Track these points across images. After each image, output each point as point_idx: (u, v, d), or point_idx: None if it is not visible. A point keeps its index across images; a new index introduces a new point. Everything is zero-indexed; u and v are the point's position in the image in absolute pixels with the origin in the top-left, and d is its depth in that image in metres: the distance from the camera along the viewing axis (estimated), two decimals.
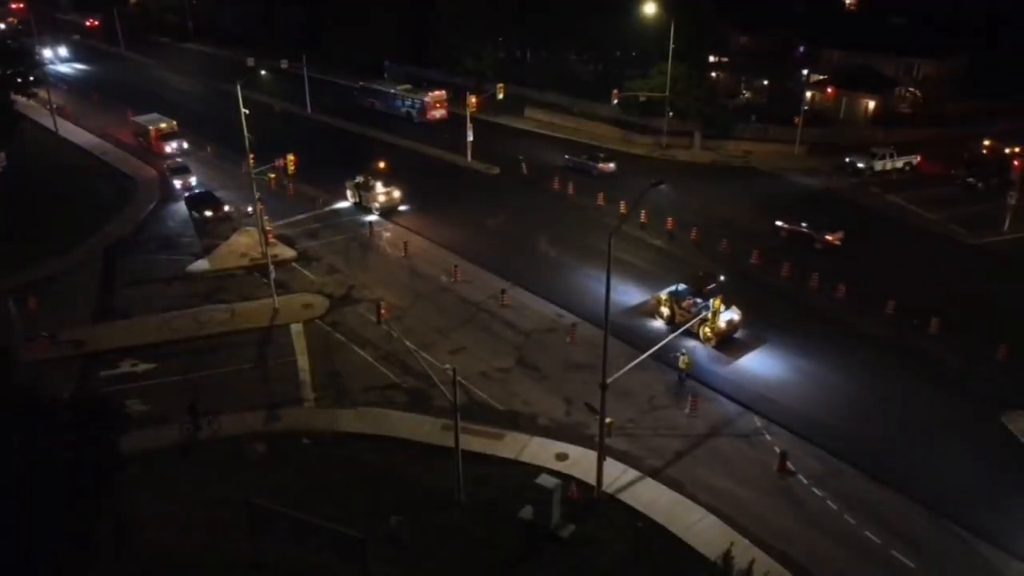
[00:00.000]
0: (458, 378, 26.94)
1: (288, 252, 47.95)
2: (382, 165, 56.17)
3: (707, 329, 37.11)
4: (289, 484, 28.80)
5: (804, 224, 49.21)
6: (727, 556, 23.84)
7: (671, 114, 67.92)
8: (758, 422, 32.60)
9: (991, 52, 78.26)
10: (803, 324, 39.44)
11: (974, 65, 79.87)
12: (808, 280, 43.63)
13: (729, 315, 37.72)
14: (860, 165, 61.65)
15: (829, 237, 48.21)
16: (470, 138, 63.88)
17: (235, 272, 45.99)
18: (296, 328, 39.89)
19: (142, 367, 36.38)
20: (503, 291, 42.42)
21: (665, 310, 39.60)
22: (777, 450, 30.42)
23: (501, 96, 66.02)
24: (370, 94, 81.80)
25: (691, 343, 37.34)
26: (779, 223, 50.32)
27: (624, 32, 74.98)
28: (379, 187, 54.41)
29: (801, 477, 29.45)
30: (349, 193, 56.09)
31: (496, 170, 63.11)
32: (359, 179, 55.43)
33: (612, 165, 62.11)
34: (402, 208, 54.82)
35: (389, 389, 35.18)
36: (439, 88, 78.81)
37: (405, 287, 44.22)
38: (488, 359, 37.08)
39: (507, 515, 27.57)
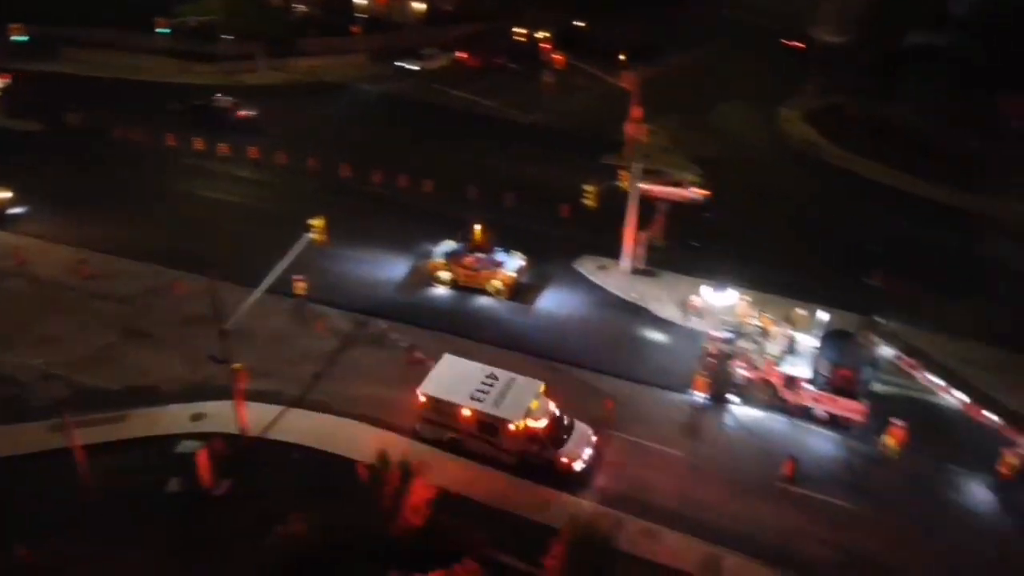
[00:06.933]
0: (54, 371, 23.77)
1: None
2: None
3: (496, 282, 36.16)
4: None
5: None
6: (382, 455, 25.40)
7: (229, 37, 64.29)
8: (383, 324, 34.36)
9: None
10: (380, 215, 41.81)
11: None
12: (397, 181, 46.06)
13: (516, 262, 37.06)
14: (412, 67, 65.24)
15: None
16: None
17: None
18: None
19: None
20: (82, 262, 37.66)
21: (445, 274, 36.91)
22: (403, 346, 32.58)
23: (23, 38, 55.62)
24: None
25: (483, 300, 36.22)
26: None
27: None
28: None
29: (431, 363, 32.01)
30: None
31: (36, 125, 54.15)
32: None
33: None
34: (15, 211, 42.16)
35: None
36: None
37: None
38: (87, 340, 33.01)
39: (155, 495, 25.76)
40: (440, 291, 37.33)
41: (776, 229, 43.73)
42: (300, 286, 34.96)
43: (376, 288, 37.21)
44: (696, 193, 38.29)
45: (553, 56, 64.72)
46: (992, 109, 57.28)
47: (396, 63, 65.08)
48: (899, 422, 28.38)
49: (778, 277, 37.91)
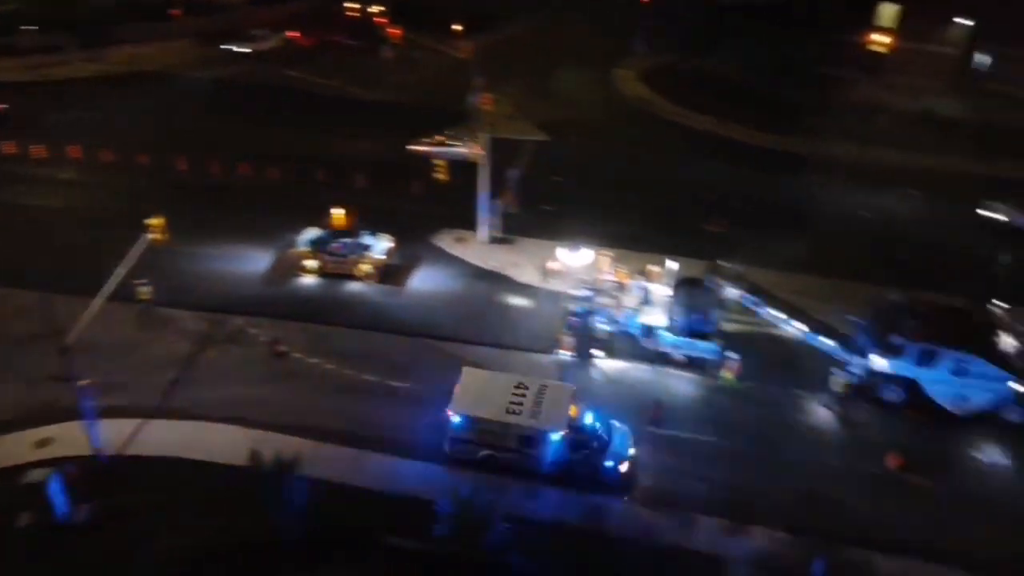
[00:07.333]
0: None
1: None
2: None
3: (365, 266, 35.33)
4: None
5: None
6: (254, 456, 24.57)
7: (31, 27, 58.73)
8: (240, 320, 33.03)
9: None
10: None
11: None
12: (240, 170, 44.09)
13: (384, 244, 36.27)
14: (242, 50, 62.20)
15: None
16: None
17: None
18: None
19: None
20: None
21: (312, 263, 35.72)
22: (262, 340, 31.54)
23: None
24: None
25: (354, 286, 35.36)
26: None
27: None
28: None
29: (295, 354, 31.22)
30: None
31: None
32: None
33: None
34: None
35: None
36: None
37: None
38: None
39: (5, 532, 23.74)
40: (308, 281, 36.23)
41: (621, 186, 45.40)
42: (143, 291, 32.89)
43: (232, 284, 35.61)
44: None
45: (390, 31, 63.73)
46: (806, 58, 61.84)
47: (224, 46, 61.74)
48: (734, 356, 30.58)
49: (628, 232, 39.50)
